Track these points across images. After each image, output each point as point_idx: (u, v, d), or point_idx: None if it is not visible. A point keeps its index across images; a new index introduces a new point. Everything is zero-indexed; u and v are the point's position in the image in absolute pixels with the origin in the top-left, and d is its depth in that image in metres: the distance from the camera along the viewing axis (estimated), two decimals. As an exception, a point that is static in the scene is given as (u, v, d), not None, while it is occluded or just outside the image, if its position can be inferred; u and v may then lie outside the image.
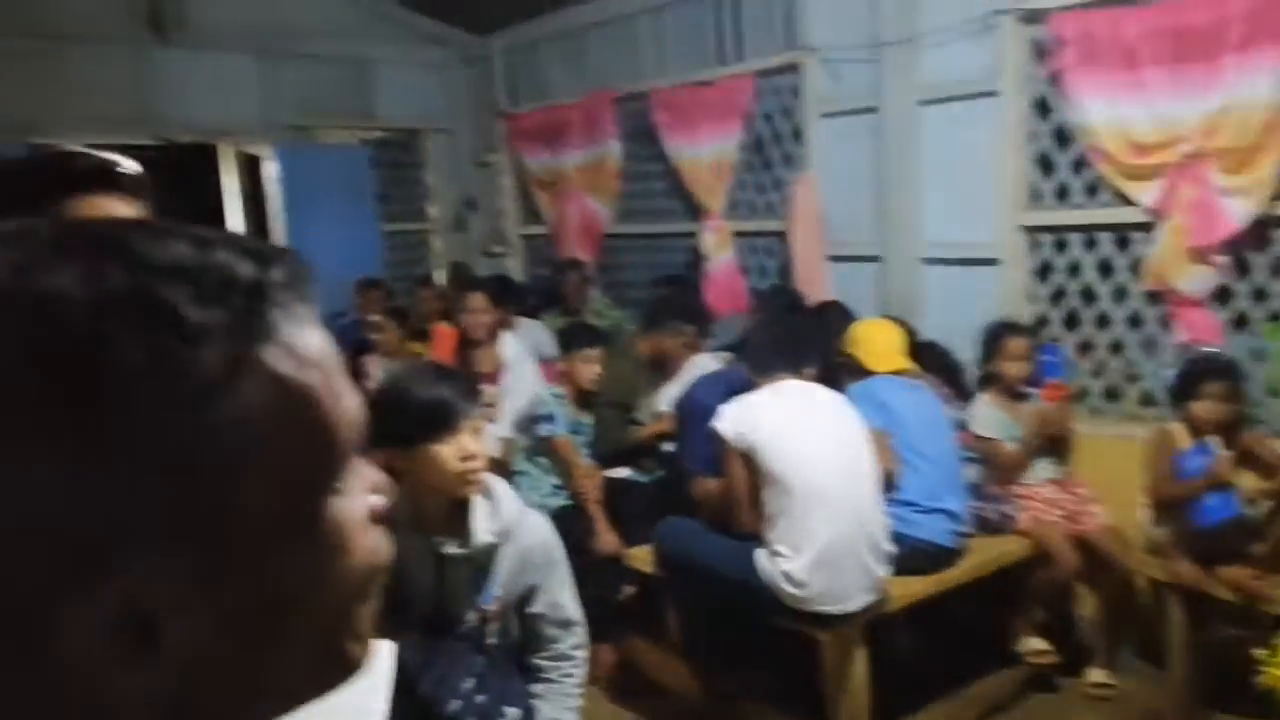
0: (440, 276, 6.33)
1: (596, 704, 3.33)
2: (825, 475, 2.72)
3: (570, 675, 2.08)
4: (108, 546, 0.38)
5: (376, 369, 4.80)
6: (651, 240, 5.52)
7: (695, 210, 5.05)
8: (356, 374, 4.88)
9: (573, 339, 3.80)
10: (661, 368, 4.07)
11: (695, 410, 3.30)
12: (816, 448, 2.75)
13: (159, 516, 0.39)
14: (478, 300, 4.16)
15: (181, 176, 6.84)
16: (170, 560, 0.40)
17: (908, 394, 3.22)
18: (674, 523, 3.12)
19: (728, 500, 2.90)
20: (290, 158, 5.78)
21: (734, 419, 2.82)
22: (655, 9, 5.20)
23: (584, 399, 3.72)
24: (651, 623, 3.38)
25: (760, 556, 2.77)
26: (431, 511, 1.90)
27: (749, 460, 2.78)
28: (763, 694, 3.04)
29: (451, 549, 1.89)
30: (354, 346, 5.06)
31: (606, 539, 3.49)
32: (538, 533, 2.03)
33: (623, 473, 3.82)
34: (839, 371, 3.39)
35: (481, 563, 1.93)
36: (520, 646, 2.06)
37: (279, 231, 5.86)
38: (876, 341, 3.39)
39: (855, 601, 2.76)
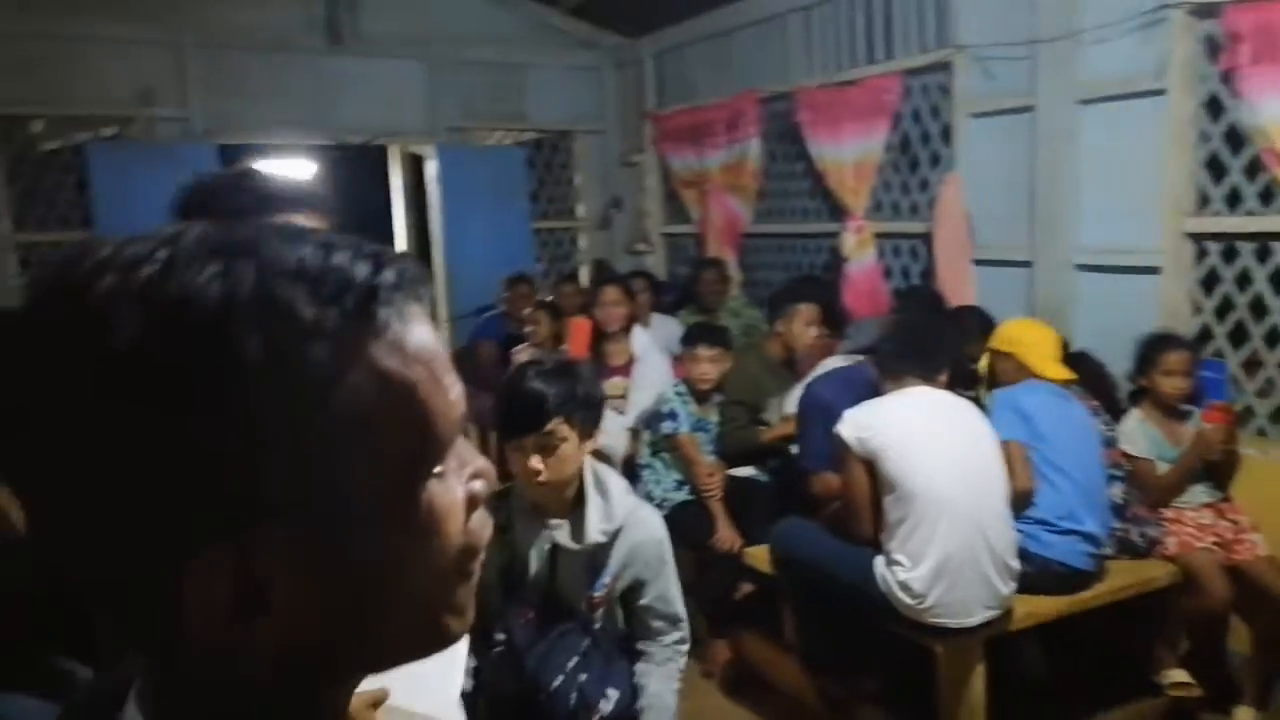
0: (585, 274, 6.51)
1: (709, 698, 3.38)
2: (949, 486, 2.65)
3: (673, 660, 2.12)
4: (226, 515, 0.44)
5: (525, 358, 5.00)
6: (792, 240, 5.49)
7: (837, 210, 4.99)
8: (505, 365, 5.10)
9: (691, 336, 3.84)
10: (792, 367, 4.06)
11: (815, 406, 3.29)
12: (942, 457, 2.68)
13: (272, 491, 0.45)
14: (612, 293, 4.26)
15: (357, 174, 7.35)
16: (280, 531, 0.45)
17: (1055, 405, 3.06)
18: (792, 524, 3.12)
19: (846, 504, 2.86)
20: (450, 158, 6.08)
21: (857, 423, 2.77)
22: (803, 8, 5.17)
23: (702, 396, 3.75)
24: (767, 621, 3.39)
25: (878, 564, 2.74)
26: (549, 502, 1.99)
27: (870, 466, 2.74)
28: (876, 700, 2.99)
29: (565, 541, 1.97)
30: (503, 339, 5.29)
31: (726, 536, 3.52)
32: (649, 528, 2.08)
33: (747, 471, 3.83)
34: (972, 379, 3.30)
35: (593, 554, 2.00)
36: (626, 634, 2.12)
37: (437, 228, 6.18)
38: (1041, 344, 3.24)
39: (975, 617, 2.68)
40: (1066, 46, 3.86)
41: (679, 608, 2.14)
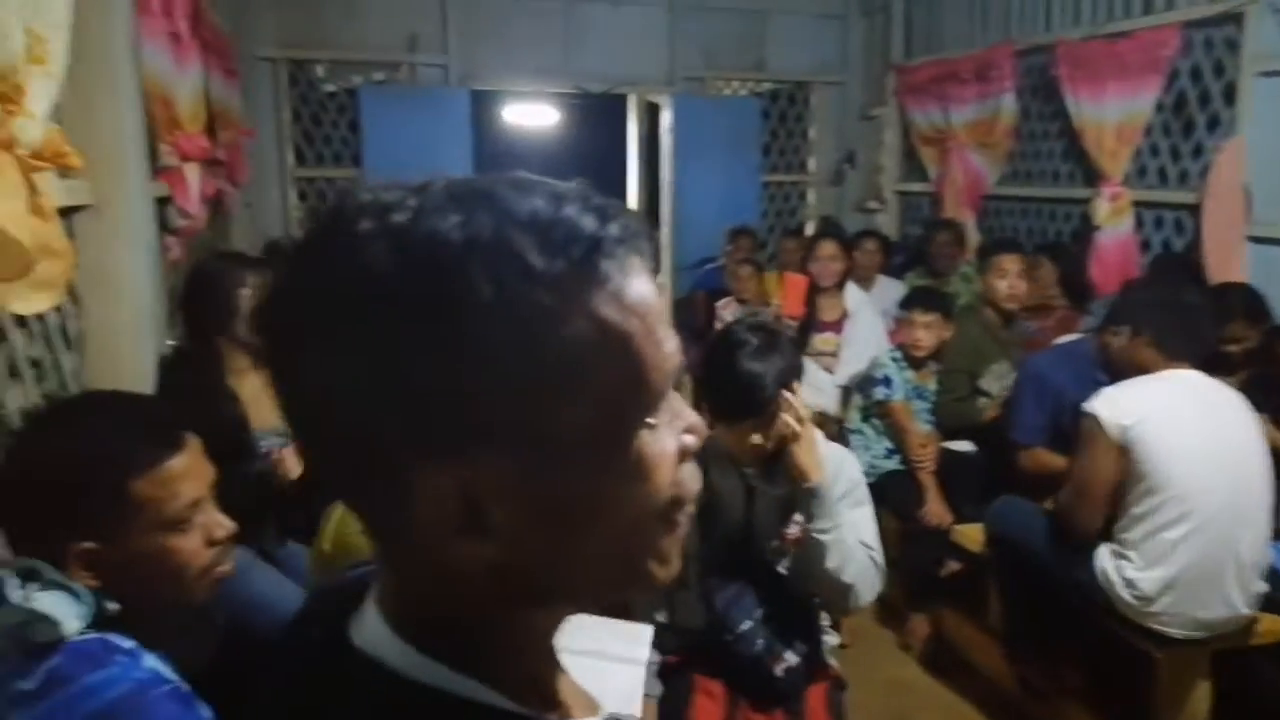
0: (810, 230, 6.42)
1: (905, 669, 3.34)
2: (1209, 489, 2.39)
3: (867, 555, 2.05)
4: (453, 437, 0.50)
5: (729, 314, 5.03)
6: (1038, 204, 5.13)
7: (1092, 174, 4.61)
8: (710, 317, 5.16)
9: (909, 300, 3.71)
10: (1011, 324, 3.84)
11: (1030, 378, 3.12)
12: (1207, 455, 2.41)
13: (494, 420, 0.50)
14: (828, 248, 4.19)
15: (595, 121, 7.58)
16: (500, 458, 0.50)
17: None
18: (1009, 502, 2.97)
19: (1078, 490, 2.62)
20: (685, 107, 6.14)
21: (1119, 406, 2.47)
22: (1074, -49, 4.75)
23: (919, 363, 3.62)
24: (970, 601, 3.28)
25: (1102, 554, 2.55)
26: (747, 458, 2.02)
27: (1122, 454, 2.47)
28: (1080, 695, 2.83)
29: (761, 485, 2.01)
30: (714, 291, 5.34)
31: (935, 510, 3.42)
32: (845, 468, 2.07)
33: (962, 446, 3.68)
34: (1232, 364, 2.98)
35: (789, 495, 2.02)
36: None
37: (667, 177, 6.28)
38: None
39: (1204, 631, 2.46)
40: (1393, -5, 3.33)
41: (877, 550, 2.06)
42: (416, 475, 0.51)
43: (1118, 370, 2.84)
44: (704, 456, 2.06)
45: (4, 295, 1.40)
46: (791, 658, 2.00)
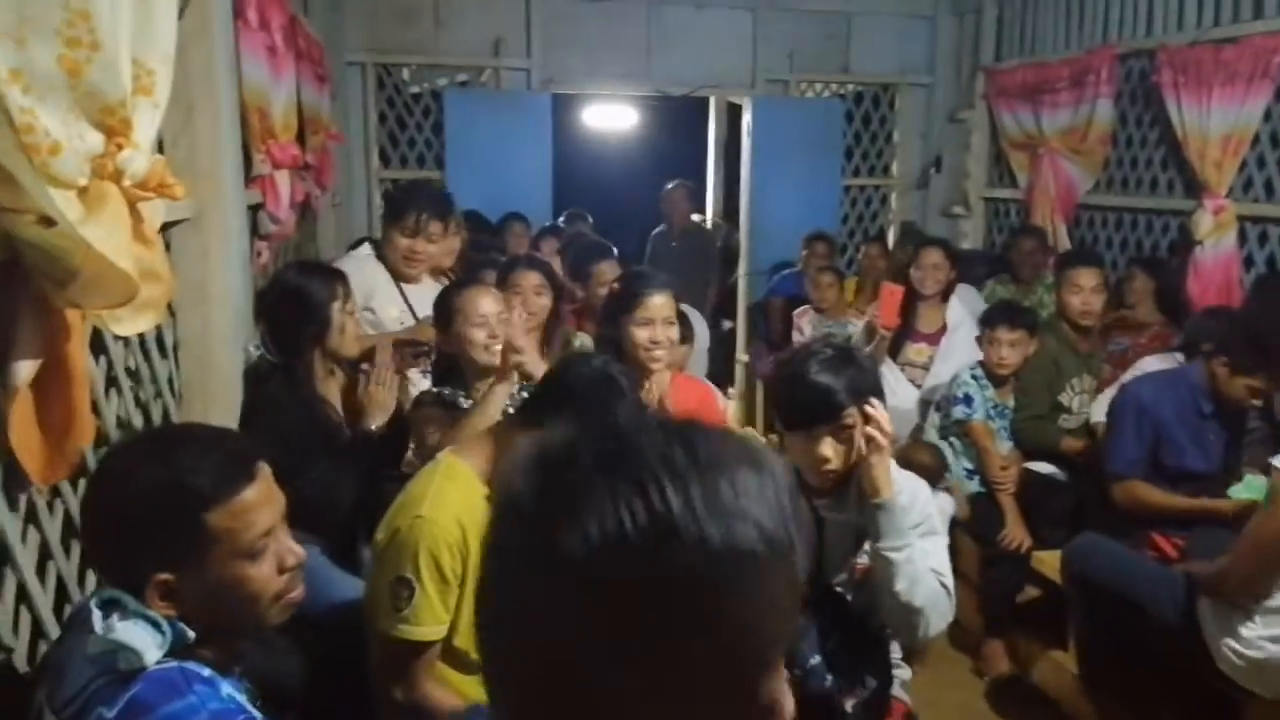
0: (892, 236, 6.30)
1: (977, 698, 3.25)
2: None
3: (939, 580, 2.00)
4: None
5: (806, 322, 4.97)
6: (1134, 214, 4.93)
7: (1193, 186, 4.41)
8: (787, 326, 5.11)
9: (992, 316, 3.57)
10: (1088, 336, 3.72)
11: (1132, 407, 2.98)
12: None
13: None
14: (934, 255, 4.10)
15: (675, 124, 7.56)
16: None
17: None
18: (1091, 541, 2.85)
19: (1253, 545, 2.31)
20: (767, 109, 6.07)
21: None
22: (1181, -48, 4.55)
23: (1001, 380, 3.52)
24: (1049, 629, 3.19)
25: (1206, 607, 2.43)
26: (816, 476, 1.99)
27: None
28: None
29: (832, 514, 1.97)
30: (791, 298, 5.29)
31: (1016, 534, 3.32)
32: (919, 497, 2.03)
33: (1045, 468, 3.57)
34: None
35: (859, 524, 1.99)
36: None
37: (746, 180, 6.23)
38: None
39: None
40: None
41: (948, 578, 2.03)
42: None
43: (1228, 404, 2.72)
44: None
45: (108, 319, 1.45)
46: (863, 693, 1.96)
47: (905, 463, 2.26)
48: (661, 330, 2.45)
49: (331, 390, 2.54)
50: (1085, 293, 3.57)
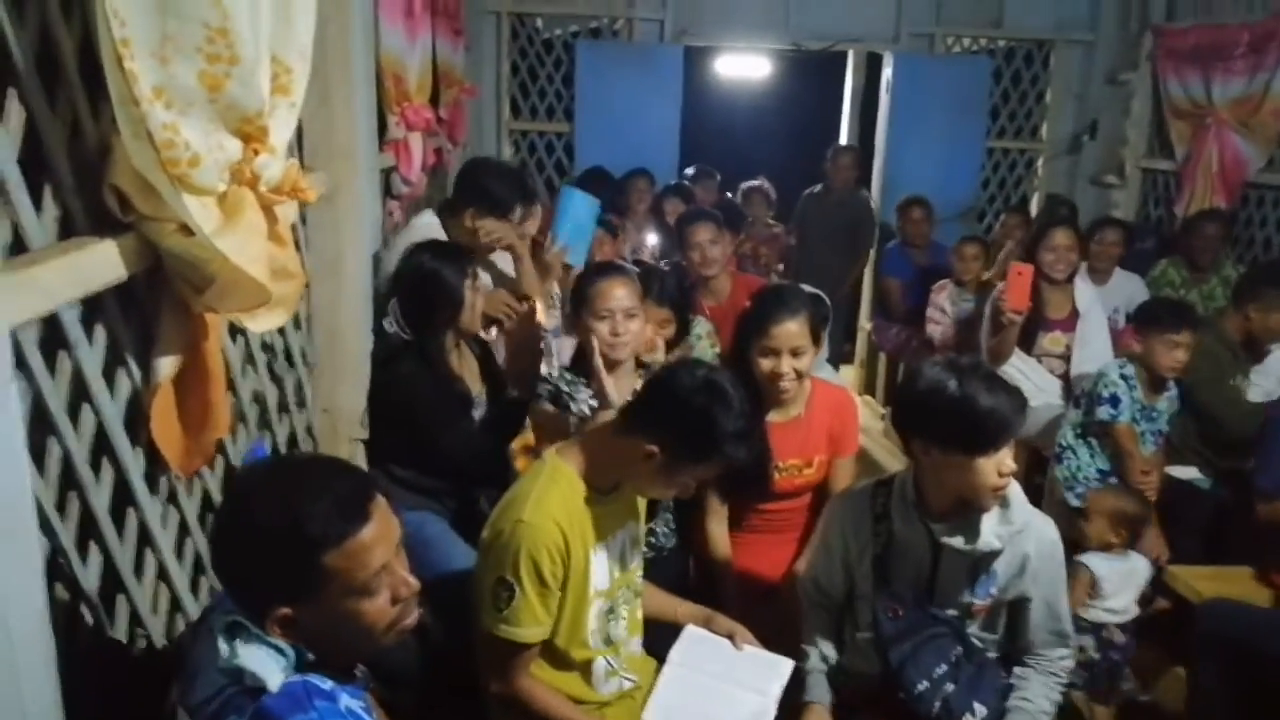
0: (1035, 205, 5.95)
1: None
2: None
3: (1057, 675, 2.01)
4: None
5: (944, 299, 4.76)
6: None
7: (1387, 170, 3.99)
8: (912, 305, 4.93)
9: (1154, 318, 3.27)
10: (1253, 349, 3.43)
11: None
12: None
13: None
14: (1062, 237, 3.82)
15: (812, 78, 7.28)
16: None
17: None
18: (1229, 607, 2.62)
19: None
20: (908, 65, 5.78)
21: None
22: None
23: (1159, 384, 3.29)
24: (1176, 643, 3.02)
25: None
26: (938, 501, 1.91)
27: None
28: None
29: (953, 541, 1.90)
30: (911, 275, 5.09)
31: (1154, 545, 3.12)
32: (1046, 539, 1.95)
33: (1188, 473, 3.35)
34: None
35: (980, 559, 1.92)
36: (1005, 645, 2.03)
37: (882, 139, 5.98)
38: None
39: None
40: None
41: (1067, 624, 2.01)
42: None
43: None
44: (885, 500, 1.98)
45: (244, 318, 1.51)
46: (973, 719, 1.91)
47: (1110, 504, 2.12)
48: (787, 361, 2.35)
49: (460, 364, 2.59)
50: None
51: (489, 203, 2.91)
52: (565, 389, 2.33)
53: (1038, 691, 1.97)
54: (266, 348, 2.10)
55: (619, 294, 2.36)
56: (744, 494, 2.44)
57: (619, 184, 5.03)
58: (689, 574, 2.59)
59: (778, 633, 2.11)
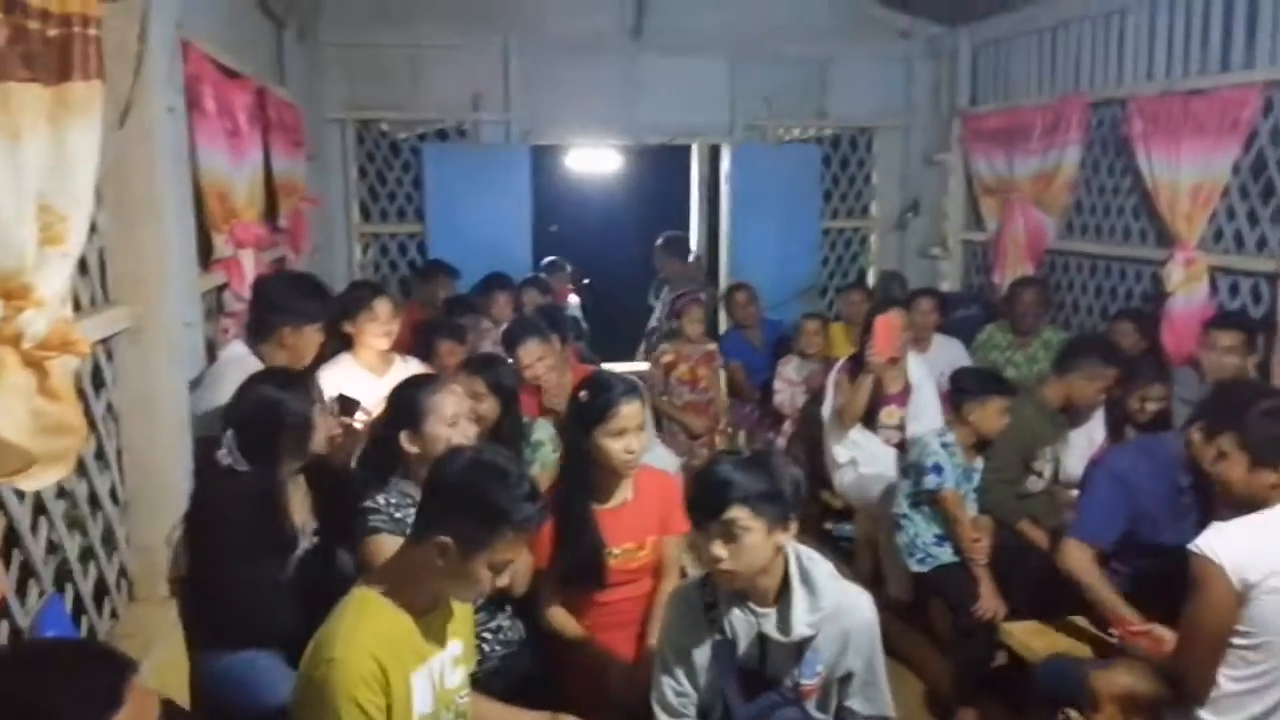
0: (871, 278, 6.30)
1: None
2: None
3: None
4: None
5: (790, 369, 4.97)
6: (1107, 262, 4.92)
7: (1164, 236, 4.41)
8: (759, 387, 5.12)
9: (979, 386, 3.50)
10: (1072, 414, 3.70)
11: (1107, 473, 2.92)
12: None
13: None
14: (894, 316, 4.07)
15: (659, 169, 7.55)
16: None
17: None
18: (1059, 665, 2.77)
19: (1189, 637, 2.30)
20: (746, 154, 6.09)
21: (1247, 552, 2.17)
22: (1149, 2, 4.55)
23: (982, 447, 3.50)
24: (1020, 695, 3.15)
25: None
26: (756, 590, 1.99)
27: (1240, 607, 2.17)
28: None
29: (771, 631, 1.96)
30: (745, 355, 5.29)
31: (989, 604, 3.28)
32: (861, 614, 2.04)
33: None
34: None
35: (801, 644, 1.98)
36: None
37: (726, 225, 6.24)
38: None
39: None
40: None
41: (885, 700, 2.09)
42: None
43: (1206, 477, 2.63)
44: (713, 590, 2.04)
45: (13, 480, 1.46)
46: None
47: (1120, 686, 2.16)
48: (634, 439, 2.42)
49: (292, 493, 2.51)
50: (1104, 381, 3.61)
51: (300, 315, 2.89)
52: (399, 515, 2.29)
53: None
54: (65, 494, 2.01)
55: (454, 400, 2.41)
56: (580, 583, 2.46)
57: (480, 292, 4.98)
58: (540, 664, 2.56)
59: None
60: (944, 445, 3.45)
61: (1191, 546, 2.24)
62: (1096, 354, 3.64)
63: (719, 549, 1.90)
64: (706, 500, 1.92)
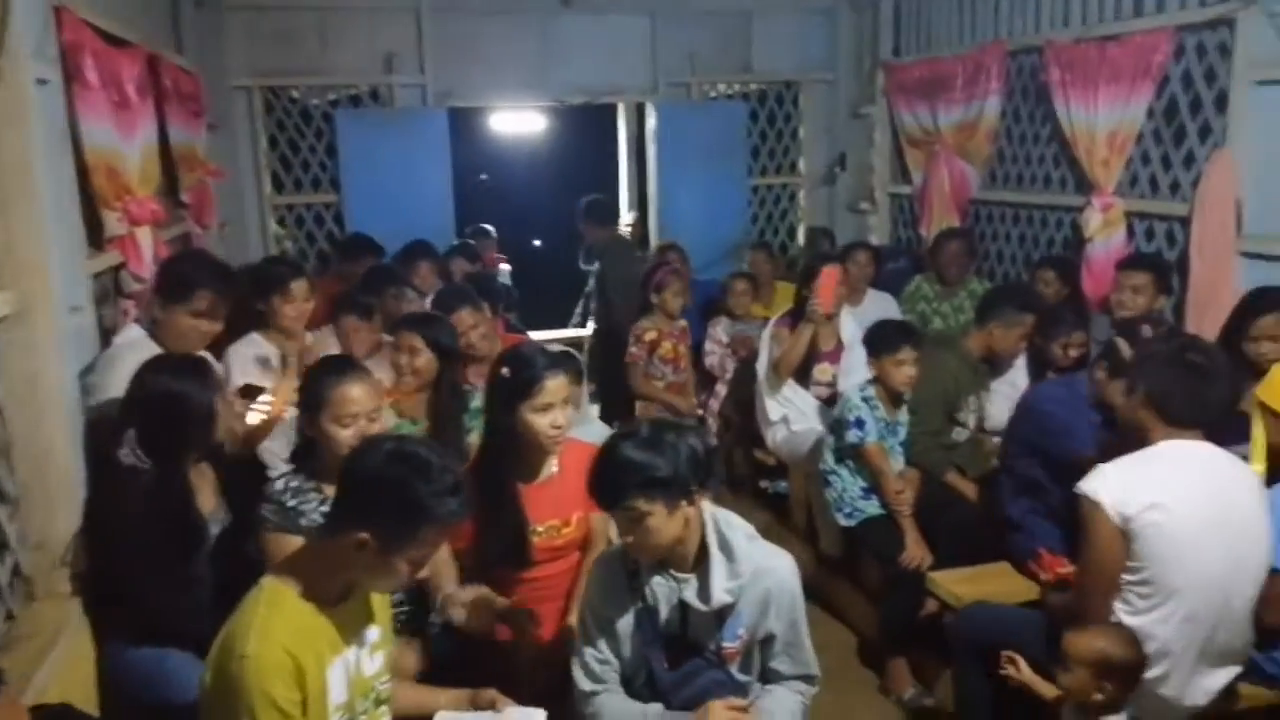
0: (801, 235, 6.30)
1: (880, 717, 3.28)
2: (1203, 583, 2.21)
3: (801, 696, 2.09)
4: None
5: (720, 330, 4.94)
6: (1028, 210, 4.98)
7: (1083, 182, 4.46)
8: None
9: (891, 338, 3.48)
10: (995, 364, 3.75)
11: (1034, 419, 3.06)
12: (1205, 548, 2.20)
13: None
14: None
15: (586, 129, 7.42)
16: None
17: None
18: (979, 611, 2.82)
19: (1081, 574, 2.40)
20: (670, 114, 6.01)
21: (1119, 492, 2.24)
22: (1062, -51, 4.57)
23: (898, 399, 3.51)
24: (948, 645, 3.20)
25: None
26: (675, 558, 1.96)
27: (1123, 540, 2.24)
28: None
29: (692, 599, 1.95)
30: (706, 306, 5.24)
31: (914, 554, 3.32)
32: (781, 576, 2.03)
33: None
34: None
35: (722, 609, 1.97)
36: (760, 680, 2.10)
37: (653, 185, 6.16)
38: None
39: (1189, 700, 2.35)
40: (1388, 4, 3.16)
41: (810, 659, 2.10)
42: None
43: (1110, 416, 2.74)
44: (635, 560, 2.02)
45: None
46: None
47: (1094, 650, 2.10)
48: (560, 414, 2.36)
49: (198, 483, 2.40)
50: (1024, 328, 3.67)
51: (171, 289, 2.74)
52: (292, 503, 2.21)
53: (778, 704, 2.05)
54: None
55: (357, 396, 2.27)
56: (503, 562, 2.41)
57: (402, 261, 4.83)
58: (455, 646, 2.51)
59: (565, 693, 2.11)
60: (865, 399, 3.46)
61: (1077, 488, 2.30)
62: (1013, 302, 3.68)
63: (625, 533, 1.90)
64: (604, 491, 1.90)
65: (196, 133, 4.34)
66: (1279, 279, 3.40)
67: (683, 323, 4.65)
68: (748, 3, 6.03)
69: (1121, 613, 2.30)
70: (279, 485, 2.22)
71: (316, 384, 2.30)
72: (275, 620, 1.64)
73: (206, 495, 2.37)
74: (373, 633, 1.86)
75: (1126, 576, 2.29)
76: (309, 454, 2.32)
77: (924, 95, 5.45)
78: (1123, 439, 2.53)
